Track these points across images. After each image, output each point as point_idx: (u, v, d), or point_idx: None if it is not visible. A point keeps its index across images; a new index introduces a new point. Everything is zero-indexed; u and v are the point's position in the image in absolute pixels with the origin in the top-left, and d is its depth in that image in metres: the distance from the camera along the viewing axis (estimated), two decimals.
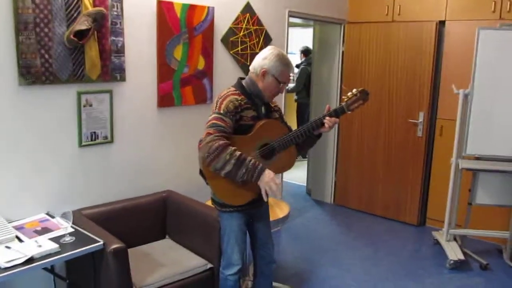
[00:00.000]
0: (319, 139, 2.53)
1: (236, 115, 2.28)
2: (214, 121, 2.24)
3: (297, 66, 7.05)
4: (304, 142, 2.47)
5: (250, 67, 2.43)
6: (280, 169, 2.54)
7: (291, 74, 2.43)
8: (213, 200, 2.54)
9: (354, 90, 2.42)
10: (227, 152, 2.17)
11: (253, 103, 2.38)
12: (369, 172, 4.93)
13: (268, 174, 2.24)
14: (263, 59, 2.37)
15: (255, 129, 2.34)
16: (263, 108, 2.45)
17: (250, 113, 2.35)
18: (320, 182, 5.42)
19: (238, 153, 2.20)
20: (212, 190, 2.43)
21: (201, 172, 2.41)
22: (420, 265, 3.82)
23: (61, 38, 2.56)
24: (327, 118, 2.37)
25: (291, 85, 6.86)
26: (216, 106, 2.30)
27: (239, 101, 2.31)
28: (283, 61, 2.36)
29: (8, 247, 2.15)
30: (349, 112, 2.42)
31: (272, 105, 2.54)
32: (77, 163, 2.80)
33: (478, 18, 4.07)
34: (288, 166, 2.49)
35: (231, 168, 2.19)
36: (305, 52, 6.83)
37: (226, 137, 2.22)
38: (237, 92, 2.36)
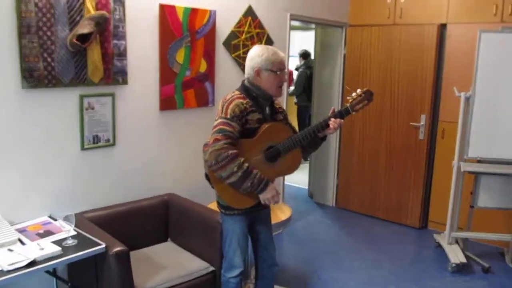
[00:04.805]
0: (324, 142, 2.53)
1: (242, 119, 2.29)
2: (221, 126, 2.25)
3: (296, 69, 7.06)
4: (308, 145, 2.48)
5: (245, 75, 2.44)
6: (285, 172, 2.55)
7: (284, 60, 2.43)
8: (218, 203, 2.54)
9: (358, 91, 2.41)
10: (236, 163, 2.19)
11: (258, 105, 2.39)
12: (371, 175, 4.92)
13: (270, 190, 2.30)
14: (250, 60, 2.40)
15: (260, 132, 2.35)
16: (268, 109, 2.45)
17: (255, 116, 2.35)
18: (322, 185, 5.42)
19: (246, 165, 2.22)
20: (217, 193, 2.43)
21: (206, 176, 2.42)
22: (422, 268, 3.81)
23: (64, 42, 2.57)
24: (331, 119, 2.37)
25: (290, 88, 6.87)
26: (223, 111, 2.30)
27: (245, 105, 2.31)
28: (269, 52, 2.37)
29: (10, 250, 2.15)
30: (354, 113, 2.42)
31: (277, 106, 2.54)
32: (80, 166, 2.80)
33: (480, 21, 4.07)
34: (293, 168, 2.49)
35: (237, 179, 2.22)
36: (304, 55, 6.82)
37: (234, 143, 2.24)
38: (242, 95, 2.36)
